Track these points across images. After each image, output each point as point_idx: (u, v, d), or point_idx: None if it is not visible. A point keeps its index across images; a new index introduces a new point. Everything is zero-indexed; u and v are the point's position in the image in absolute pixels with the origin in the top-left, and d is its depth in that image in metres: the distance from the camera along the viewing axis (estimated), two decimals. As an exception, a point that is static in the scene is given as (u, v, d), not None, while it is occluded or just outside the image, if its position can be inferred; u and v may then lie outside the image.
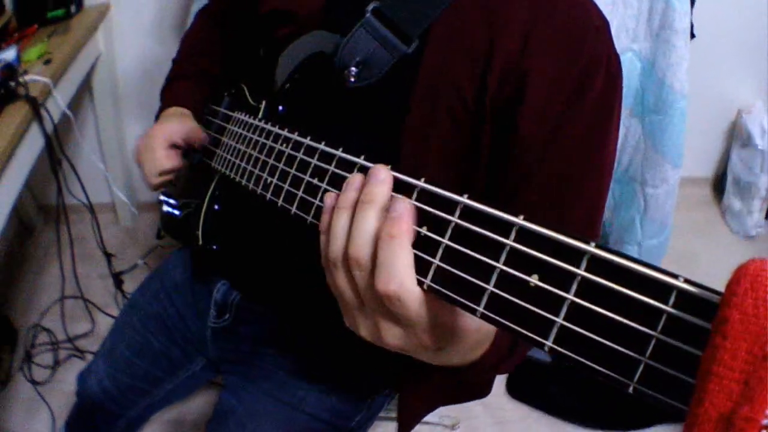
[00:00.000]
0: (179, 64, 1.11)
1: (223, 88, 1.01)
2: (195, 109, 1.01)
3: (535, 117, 0.68)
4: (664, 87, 1.54)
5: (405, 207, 0.45)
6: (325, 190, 0.57)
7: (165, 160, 0.93)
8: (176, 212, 1.05)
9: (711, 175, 2.44)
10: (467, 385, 0.93)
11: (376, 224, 0.46)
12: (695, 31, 1.54)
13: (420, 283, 0.45)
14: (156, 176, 0.94)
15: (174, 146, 0.95)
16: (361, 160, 0.53)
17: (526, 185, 0.71)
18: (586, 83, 0.68)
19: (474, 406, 1.73)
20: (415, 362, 0.88)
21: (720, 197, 2.36)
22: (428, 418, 1.60)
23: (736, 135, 2.25)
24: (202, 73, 1.08)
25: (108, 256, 1.93)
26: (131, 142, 2.21)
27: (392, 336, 0.47)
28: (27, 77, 1.38)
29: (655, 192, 1.69)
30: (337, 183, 0.56)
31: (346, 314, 0.51)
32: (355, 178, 0.50)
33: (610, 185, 0.78)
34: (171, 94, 1.05)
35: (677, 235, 1.85)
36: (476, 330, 0.49)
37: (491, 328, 0.51)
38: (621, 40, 1.53)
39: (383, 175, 0.48)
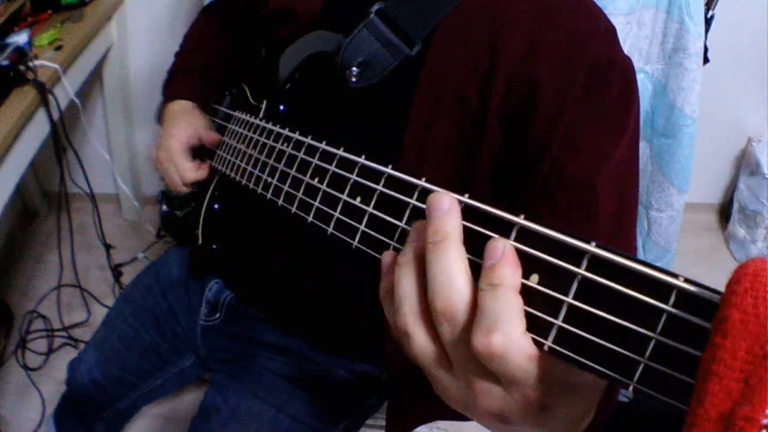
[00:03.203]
0: (181, 59, 1.11)
1: (225, 85, 1.01)
2: (198, 100, 1.01)
3: (547, 124, 0.68)
4: (674, 110, 1.53)
5: (507, 249, 0.37)
6: (325, 192, 0.56)
7: (191, 172, 0.95)
8: (176, 211, 1.05)
9: (718, 201, 2.44)
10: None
11: (460, 264, 0.38)
12: (709, 56, 1.53)
13: None
14: (182, 186, 0.97)
15: (194, 149, 0.95)
16: (361, 160, 0.53)
17: (544, 195, 0.70)
18: (599, 85, 0.68)
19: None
20: (406, 374, 0.87)
21: (725, 224, 2.35)
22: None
23: (745, 163, 2.25)
24: (204, 67, 1.08)
25: (107, 247, 1.93)
26: (139, 133, 2.21)
27: (490, 398, 0.39)
28: (37, 62, 1.38)
29: (660, 216, 1.68)
30: (338, 183, 0.55)
31: (435, 381, 0.42)
32: (415, 228, 0.42)
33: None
34: (173, 88, 1.05)
35: (680, 259, 1.84)
36: (591, 386, 0.39)
37: (593, 398, 0.42)
38: (633, 62, 1.52)
39: (447, 203, 0.40)
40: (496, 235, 0.39)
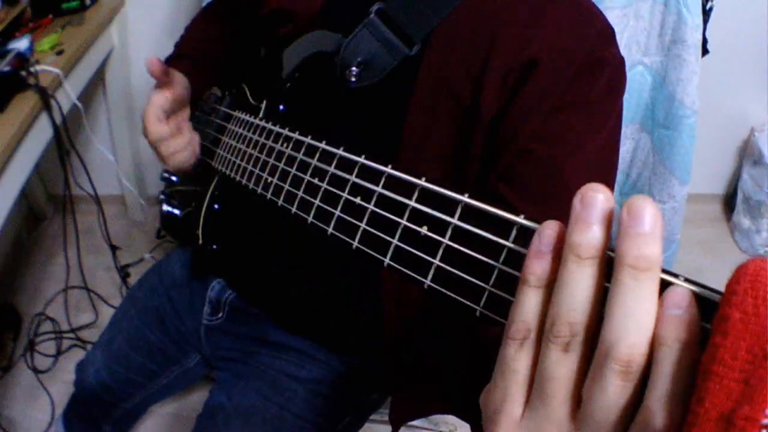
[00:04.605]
0: (181, 47, 1.12)
1: (224, 82, 1.01)
2: (193, 84, 1.01)
3: (531, 104, 0.68)
4: (674, 102, 1.53)
5: (689, 301, 0.30)
6: (326, 191, 0.57)
7: (156, 127, 0.93)
8: (176, 211, 1.05)
9: (722, 192, 2.43)
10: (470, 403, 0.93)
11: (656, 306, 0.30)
12: (709, 48, 1.53)
13: (420, 283, 0.44)
14: (160, 145, 0.94)
15: (171, 113, 0.94)
16: (361, 160, 0.53)
17: (510, 177, 0.70)
18: (589, 75, 0.68)
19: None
20: (407, 367, 0.88)
21: (730, 215, 2.35)
22: (425, 424, 1.60)
23: (748, 153, 2.24)
24: (202, 56, 1.08)
25: (113, 248, 1.94)
26: (142, 136, 2.21)
27: None
28: (38, 67, 1.39)
29: (662, 207, 1.68)
30: (338, 183, 0.55)
31: (505, 398, 0.35)
32: (595, 204, 0.32)
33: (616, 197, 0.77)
34: None
35: (685, 251, 1.84)
36: None
37: None
38: (632, 54, 1.52)
39: (652, 218, 0.30)
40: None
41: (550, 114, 0.68)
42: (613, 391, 0.30)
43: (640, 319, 0.30)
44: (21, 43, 1.39)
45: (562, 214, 0.51)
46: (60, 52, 1.50)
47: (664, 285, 0.31)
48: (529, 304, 0.34)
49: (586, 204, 0.32)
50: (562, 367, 0.32)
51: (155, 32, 2.00)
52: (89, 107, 2.07)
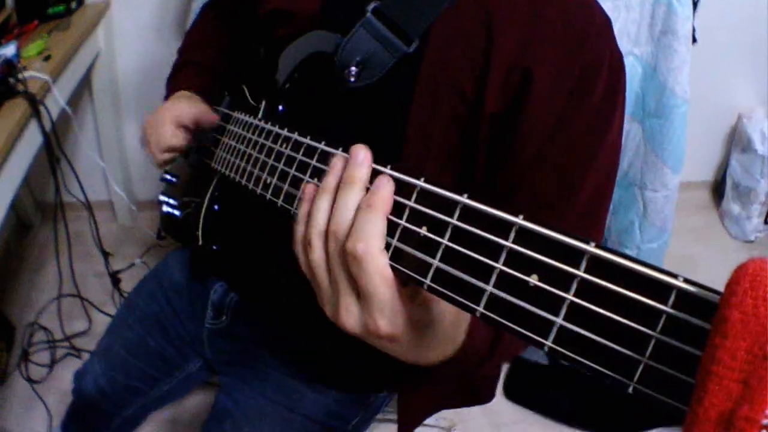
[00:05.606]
0: (185, 54, 1.11)
1: (225, 83, 1.01)
2: (202, 93, 1.00)
3: (537, 113, 0.68)
4: (665, 91, 1.54)
5: (384, 182, 0.48)
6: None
7: (171, 137, 0.93)
8: (176, 212, 1.04)
9: (710, 179, 2.44)
10: (467, 390, 0.93)
11: (357, 202, 0.48)
12: (697, 36, 1.54)
13: (420, 284, 0.44)
14: (161, 152, 0.95)
15: (183, 127, 0.94)
16: None
17: (524, 180, 0.71)
18: (588, 82, 0.68)
19: (470, 408, 1.73)
20: (411, 366, 0.88)
21: (719, 202, 2.36)
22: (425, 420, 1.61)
23: (737, 140, 2.25)
24: (206, 63, 1.08)
25: (105, 254, 1.93)
26: (130, 139, 2.20)
27: (347, 313, 0.48)
28: (26, 73, 1.38)
29: (655, 196, 1.69)
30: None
31: (319, 296, 0.53)
32: (336, 164, 0.52)
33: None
34: (178, 81, 1.05)
35: (676, 238, 1.85)
36: (434, 326, 0.51)
37: (455, 331, 0.55)
38: (623, 45, 1.52)
39: (362, 157, 0.50)
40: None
41: (553, 130, 0.68)
42: (333, 248, 0.49)
43: (343, 210, 0.48)
44: (7, 50, 1.38)
45: (575, 218, 0.57)
46: (47, 58, 1.48)
47: (663, 285, 0.32)
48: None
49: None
50: (311, 255, 0.51)
51: (142, 34, 1.98)
52: (76, 113, 2.05)
